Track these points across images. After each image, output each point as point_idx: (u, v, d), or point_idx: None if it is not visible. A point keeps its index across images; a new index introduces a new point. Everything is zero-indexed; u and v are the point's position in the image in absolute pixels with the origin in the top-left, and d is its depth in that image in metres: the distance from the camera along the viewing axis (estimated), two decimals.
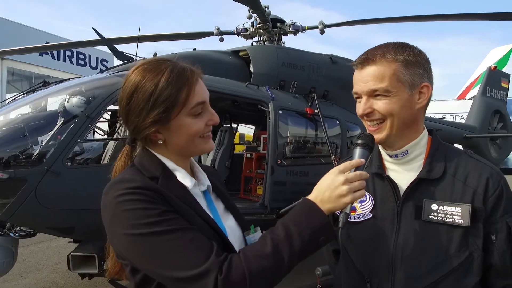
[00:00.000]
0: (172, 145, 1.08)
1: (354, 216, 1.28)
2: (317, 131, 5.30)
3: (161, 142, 1.07)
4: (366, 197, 1.28)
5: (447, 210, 1.15)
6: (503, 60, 22.05)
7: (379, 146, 1.31)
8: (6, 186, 3.32)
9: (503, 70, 11.77)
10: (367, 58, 1.19)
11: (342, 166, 1.05)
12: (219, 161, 6.44)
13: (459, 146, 6.86)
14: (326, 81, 5.62)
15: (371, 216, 1.26)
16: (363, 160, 1.10)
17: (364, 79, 1.18)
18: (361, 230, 1.26)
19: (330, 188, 1.01)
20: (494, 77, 10.22)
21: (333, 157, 4.96)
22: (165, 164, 1.08)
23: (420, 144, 1.26)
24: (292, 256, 0.95)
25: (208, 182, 1.17)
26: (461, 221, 1.14)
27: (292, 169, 4.92)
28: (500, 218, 1.15)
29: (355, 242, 1.25)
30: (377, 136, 1.21)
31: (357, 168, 1.06)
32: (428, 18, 6.21)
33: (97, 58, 20.91)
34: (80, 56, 20.15)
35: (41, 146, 3.53)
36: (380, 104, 1.18)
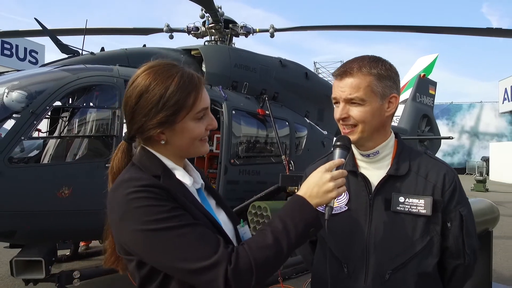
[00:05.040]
0: (173, 146, 1.13)
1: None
2: (268, 131, 5.48)
3: (163, 142, 1.11)
4: None
5: (412, 202, 1.34)
6: (429, 68, 24.20)
7: (353, 146, 1.46)
8: None
9: (428, 77, 12.93)
10: (346, 71, 1.36)
11: (327, 165, 1.18)
12: None
13: None
14: (276, 83, 5.82)
15: (346, 208, 1.42)
16: (343, 159, 1.25)
17: (343, 88, 1.36)
18: (338, 221, 1.41)
19: (318, 184, 1.13)
20: (423, 84, 11.28)
21: (283, 157, 5.16)
22: (164, 163, 1.12)
23: (389, 145, 1.46)
24: (290, 246, 1.05)
25: (201, 181, 1.23)
26: (424, 211, 1.32)
27: (245, 168, 5.04)
28: (454, 208, 1.36)
29: (333, 232, 1.39)
30: (350, 137, 1.38)
31: (338, 167, 1.20)
32: (363, 28, 6.73)
33: (25, 49, 19.23)
34: (6, 45, 18.39)
35: None
36: (355, 111, 1.36)
